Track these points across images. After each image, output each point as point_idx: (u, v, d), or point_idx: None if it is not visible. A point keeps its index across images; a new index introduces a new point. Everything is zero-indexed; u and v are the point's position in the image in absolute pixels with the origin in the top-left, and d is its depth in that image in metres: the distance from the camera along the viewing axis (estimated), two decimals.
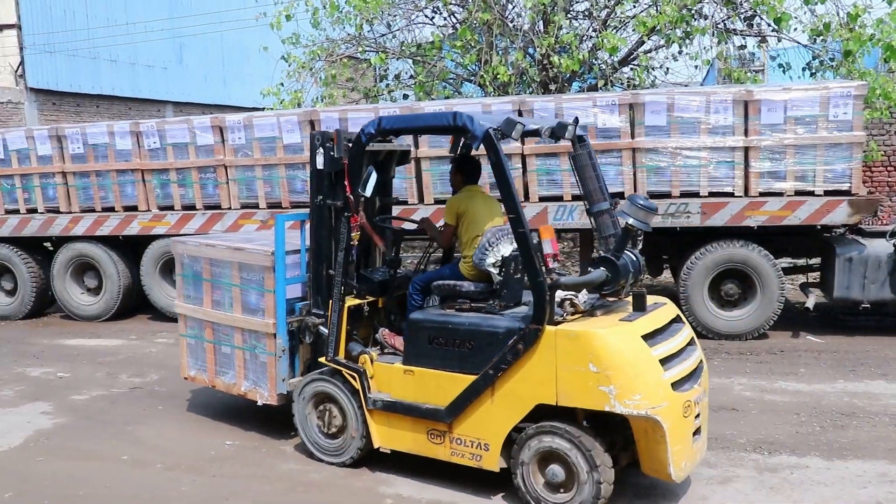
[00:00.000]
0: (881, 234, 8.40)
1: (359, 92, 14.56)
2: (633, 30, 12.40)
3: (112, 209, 10.44)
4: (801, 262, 9.51)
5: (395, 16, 14.16)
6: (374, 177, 5.15)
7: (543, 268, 4.39)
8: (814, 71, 12.02)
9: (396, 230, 5.96)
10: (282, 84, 13.53)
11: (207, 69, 24.44)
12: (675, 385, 4.33)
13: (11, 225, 10.86)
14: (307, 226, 5.57)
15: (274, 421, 6.03)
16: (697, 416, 4.51)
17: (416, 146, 8.97)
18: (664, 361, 4.35)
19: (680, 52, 12.89)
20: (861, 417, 6.05)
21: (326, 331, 5.37)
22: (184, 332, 6.38)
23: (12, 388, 7.58)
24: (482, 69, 12.15)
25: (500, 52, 12.52)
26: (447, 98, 12.63)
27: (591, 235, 8.78)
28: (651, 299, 4.89)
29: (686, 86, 12.49)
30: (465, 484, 4.93)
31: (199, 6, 22.72)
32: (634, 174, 8.38)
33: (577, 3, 13.29)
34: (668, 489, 4.85)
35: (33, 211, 10.85)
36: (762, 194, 8.16)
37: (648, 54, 13.57)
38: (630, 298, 4.74)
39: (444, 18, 14.17)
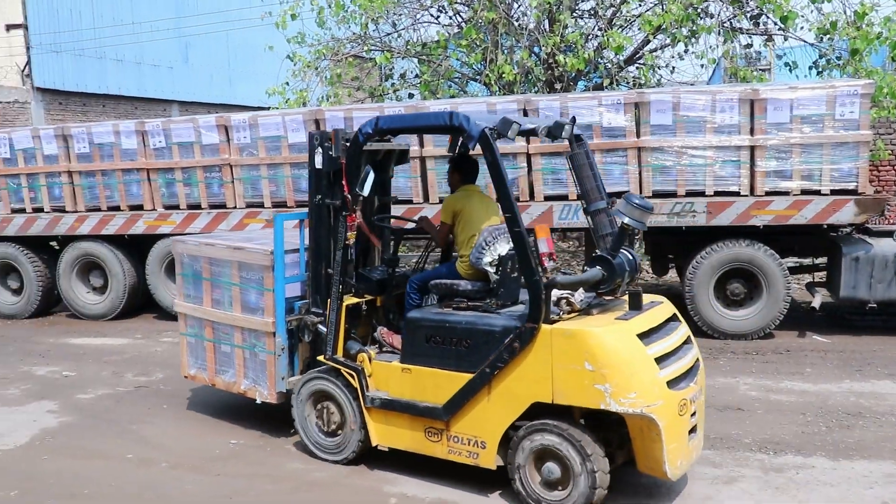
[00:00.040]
0: (888, 234, 8.35)
1: (364, 91, 14.57)
2: (639, 29, 12.39)
3: (117, 208, 10.46)
4: (808, 261, 9.48)
5: (400, 15, 14.16)
6: (371, 176, 5.18)
7: (539, 267, 4.42)
8: (820, 70, 11.97)
9: (395, 229, 5.99)
10: (287, 83, 13.54)
11: (213, 69, 24.46)
12: (671, 383, 4.35)
13: (17, 224, 10.89)
14: (306, 225, 5.60)
15: (278, 420, 6.03)
16: (693, 414, 4.53)
17: (422, 145, 8.97)
18: (660, 360, 4.37)
19: (686, 51, 12.86)
20: (867, 417, 6.03)
21: (325, 329, 5.40)
22: (184, 331, 6.41)
23: (18, 386, 7.61)
24: (487, 68, 12.14)
25: (506, 51, 12.51)
26: (452, 97, 12.62)
27: None
28: (647, 298, 4.90)
29: (692, 85, 12.46)
30: (468, 482, 4.92)
31: (204, 6, 22.73)
32: (640, 173, 8.36)
33: (582, 1, 13.29)
34: (673, 489, 4.84)
35: (39, 210, 10.88)
36: (768, 193, 8.13)
37: (654, 53, 13.55)
38: (626, 297, 4.75)
39: (450, 17, 14.17)
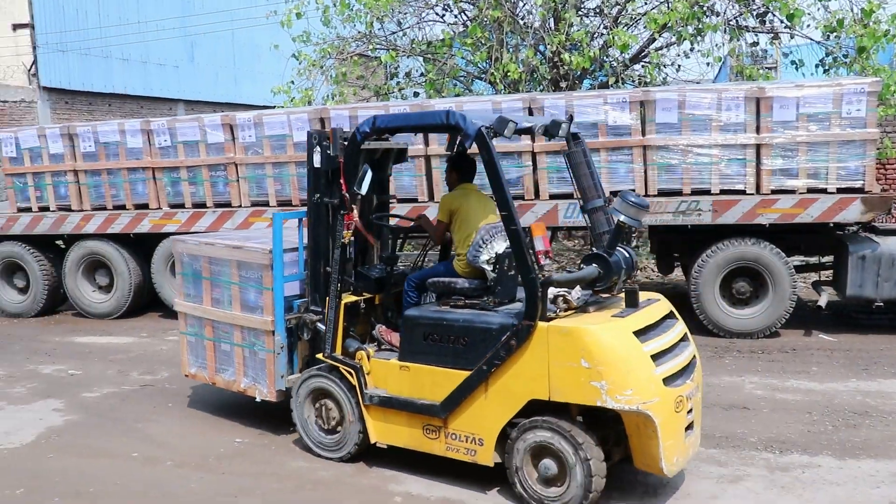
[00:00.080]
0: (895, 232, 8.32)
1: (369, 90, 14.56)
2: (645, 27, 12.35)
3: (123, 207, 10.48)
4: (814, 259, 9.45)
5: (405, 13, 14.15)
6: (369, 175, 5.20)
7: (535, 264, 4.44)
8: (827, 68, 11.92)
9: (393, 228, 6.02)
10: (292, 82, 13.54)
11: (218, 67, 24.52)
12: (667, 380, 4.37)
13: (24, 223, 10.92)
14: (305, 224, 5.62)
15: (282, 418, 6.03)
16: (690, 411, 4.55)
17: (426, 144, 8.97)
18: (656, 357, 4.39)
19: (691, 50, 12.82)
20: (874, 416, 6.00)
21: (324, 327, 5.42)
22: (184, 330, 6.44)
23: (24, 385, 7.63)
24: (493, 67, 12.12)
25: (511, 50, 12.49)
26: (458, 96, 12.60)
27: None
28: (644, 295, 4.92)
29: (697, 83, 12.42)
30: (473, 481, 4.92)
31: (210, 5, 22.78)
32: (645, 172, 8.34)
33: None
34: (678, 487, 4.83)
35: (45, 209, 10.90)
36: (774, 192, 8.10)
37: (660, 51, 13.51)
38: (623, 295, 4.75)
39: (455, 16, 14.15)
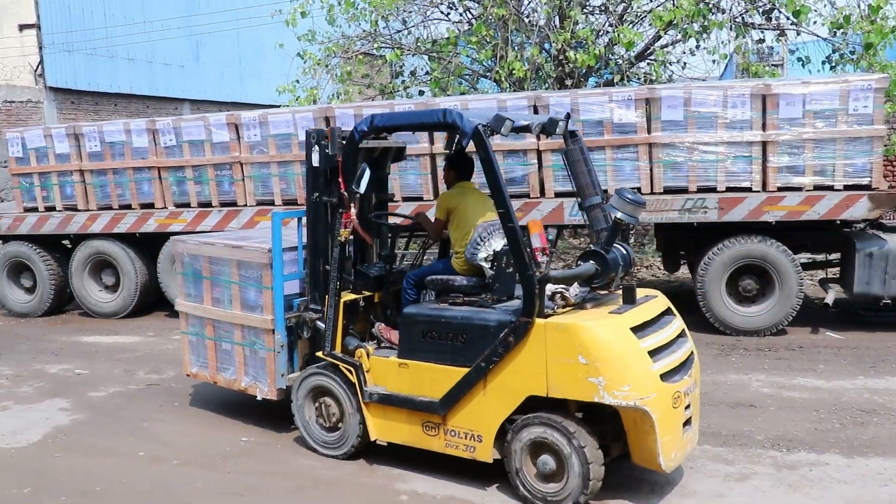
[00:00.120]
0: None
1: (374, 88, 14.57)
2: (650, 24, 12.32)
3: (129, 207, 10.49)
4: (821, 257, 9.42)
5: (410, 12, 14.16)
6: (367, 173, 5.21)
7: (532, 262, 4.46)
8: (834, 64, 11.87)
9: (392, 226, 6.06)
10: (297, 81, 13.56)
11: (224, 67, 24.54)
12: (665, 376, 4.39)
13: (30, 223, 10.95)
14: (304, 222, 5.66)
15: (287, 417, 6.00)
16: (688, 406, 4.57)
17: (432, 142, 8.96)
18: (653, 353, 4.41)
19: (697, 47, 12.81)
20: (882, 414, 5.97)
21: (324, 326, 5.44)
22: (185, 330, 6.47)
23: (31, 384, 7.64)
24: (498, 65, 12.11)
25: (516, 48, 12.47)
26: (463, 94, 12.59)
27: None
28: (642, 292, 4.94)
29: (703, 80, 12.38)
30: (480, 479, 4.91)
31: (215, 4, 22.80)
32: (651, 169, 8.32)
33: None
34: (685, 485, 4.82)
35: (51, 209, 10.93)
36: (780, 189, 8.07)
37: (665, 49, 13.46)
38: (621, 291, 4.78)
39: (460, 14, 14.15)
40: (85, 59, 20.17)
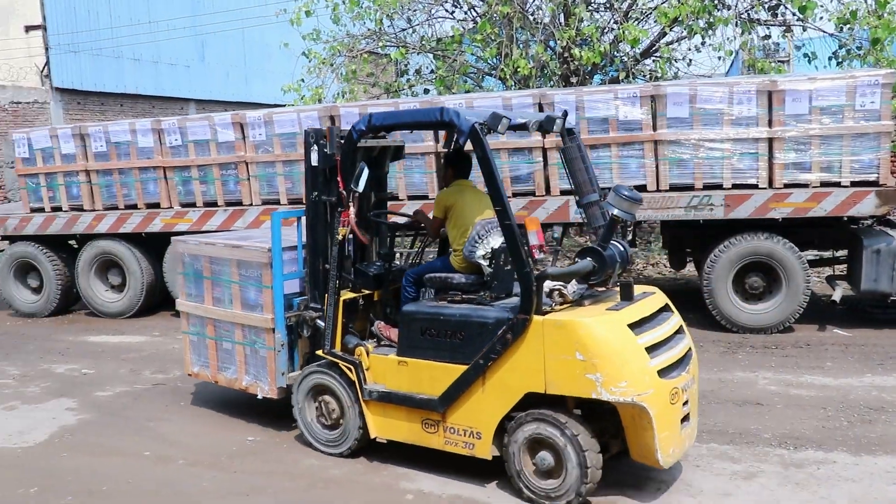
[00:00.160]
0: None
1: (379, 87, 14.57)
2: (655, 21, 12.29)
3: (135, 206, 10.51)
4: (828, 254, 9.37)
5: (415, 10, 14.15)
6: (365, 172, 5.24)
7: (530, 259, 4.48)
8: (840, 60, 11.82)
9: (391, 224, 6.10)
10: (302, 80, 13.56)
11: (229, 67, 24.57)
12: (662, 372, 4.40)
13: (37, 223, 10.98)
14: (304, 222, 5.68)
15: (293, 417, 6.03)
16: (686, 403, 4.58)
17: (437, 141, 8.94)
18: (651, 349, 4.42)
19: (703, 44, 12.74)
20: (890, 412, 5.94)
21: (323, 324, 5.46)
22: (186, 330, 6.50)
23: (38, 384, 7.66)
24: (503, 63, 12.10)
25: (521, 46, 12.46)
26: (468, 92, 12.58)
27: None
28: (639, 289, 4.96)
29: (709, 77, 12.34)
30: (486, 479, 4.90)
31: (220, 4, 22.81)
32: (657, 167, 8.29)
33: None
34: (691, 484, 4.80)
35: (58, 209, 10.95)
36: (787, 186, 8.03)
37: (670, 46, 13.43)
38: (619, 288, 4.80)
39: (465, 12, 14.15)
40: (91, 60, 20.21)
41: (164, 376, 7.76)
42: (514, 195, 8.73)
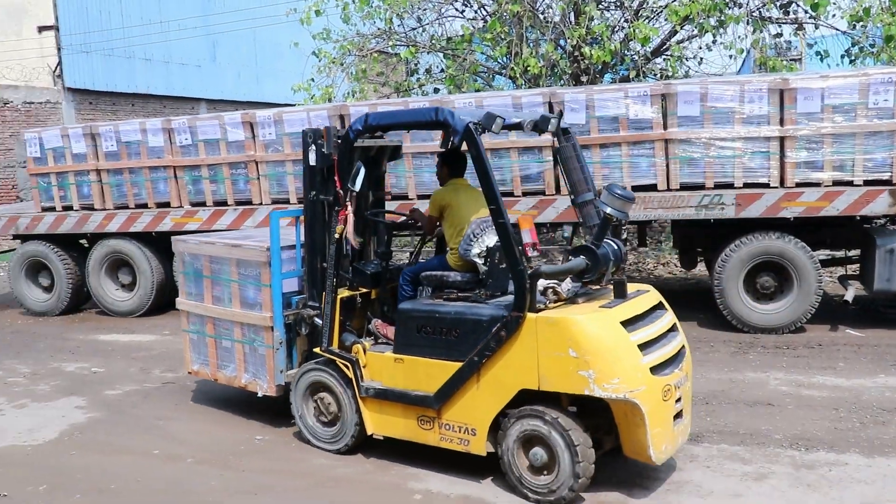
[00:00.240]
0: None
1: (389, 86, 14.57)
2: (666, 19, 12.23)
3: (145, 206, 10.54)
4: (840, 253, 9.30)
5: (425, 9, 14.14)
6: (362, 171, 5.27)
7: (523, 257, 4.52)
8: (853, 58, 11.73)
9: (389, 223, 6.17)
10: (312, 79, 13.57)
11: (240, 66, 24.63)
12: (655, 369, 4.43)
13: (48, 222, 11.02)
14: (302, 221, 5.73)
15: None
16: (679, 400, 4.60)
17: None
18: (643, 346, 4.46)
19: (714, 42, 12.68)
20: None
21: (321, 322, 5.50)
22: (186, 328, 6.55)
23: (48, 382, 7.69)
24: (513, 62, 12.07)
25: (531, 45, 12.43)
26: (478, 91, 12.56)
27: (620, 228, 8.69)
28: (633, 287, 5.00)
29: (720, 76, 12.27)
30: (494, 479, 4.88)
31: (231, 3, 22.88)
32: (667, 166, 8.25)
33: None
34: (701, 485, 4.77)
35: (69, 208, 10.99)
36: (799, 185, 7.97)
37: (681, 44, 13.38)
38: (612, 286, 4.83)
39: (475, 11, 14.12)
40: (102, 60, 20.31)
41: (173, 375, 7.77)
42: (524, 194, 8.71)
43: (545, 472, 4.54)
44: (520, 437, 4.59)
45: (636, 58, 12.58)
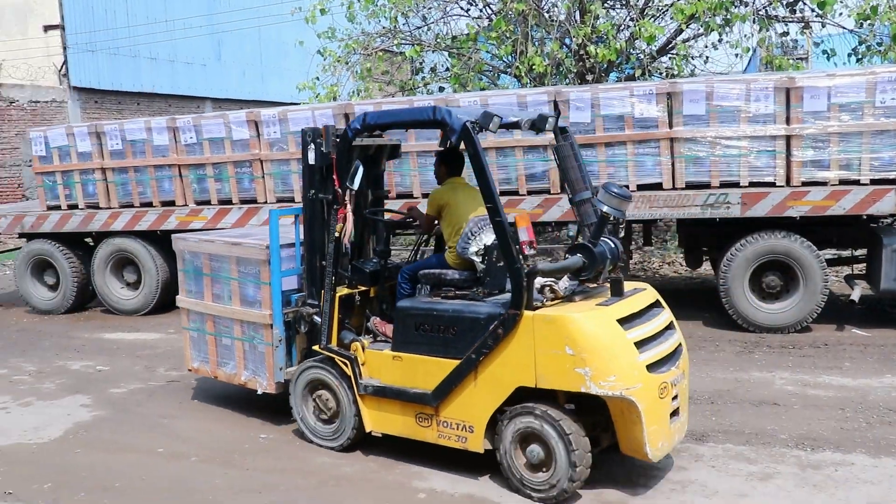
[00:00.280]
0: None
1: (394, 85, 14.57)
2: (672, 18, 12.19)
3: (150, 204, 10.55)
4: (846, 253, 9.26)
5: (430, 8, 14.14)
6: (360, 170, 5.30)
7: (520, 255, 4.55)
8: (860, 57, 11.68)
9: (387, 222, 6.21)
10: (317, 78, 13.57)
11: (245, 65, 24.68)
12: (651, 367, 4.46)
13: (53, 221, 11.04)
14: (301, 220, 5.77)
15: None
16: (675, 397, 4.63)
17: None
18: (640, 344, 4.48)
19: (720, 41, 12.63)
20: None
21: (320, 320, 5.52)
22: (186, 326, 6.57)
23: (54, 381, 7.70)
24: (518, 60, 12.04)
25: (536, 43, 12.40)
26: (483, 90, 12.55)
27: (630, 226, 8.67)
28: (630, 285, 5.03)
29: (726, 75, 12.23)
30: (499, 478, 4.87)
31: (236, 2, 22.92)
32: (673, 164, 8.23)
33: None
34: (707, 484, 4.75)
35: (74, 207, 11.00)
36: (805, 184, 7.94)
37: (687, 43, 13.32)
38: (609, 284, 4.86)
39: (480, 10, 14.11)
40: (108, 59, 20.36)
41: (178, 373, 7.77)
42: (529, 193, 8.69)
43: (543, 469, 4.56)
44: (517, 434, 4.61)
45: (642, 56, 12.56)
